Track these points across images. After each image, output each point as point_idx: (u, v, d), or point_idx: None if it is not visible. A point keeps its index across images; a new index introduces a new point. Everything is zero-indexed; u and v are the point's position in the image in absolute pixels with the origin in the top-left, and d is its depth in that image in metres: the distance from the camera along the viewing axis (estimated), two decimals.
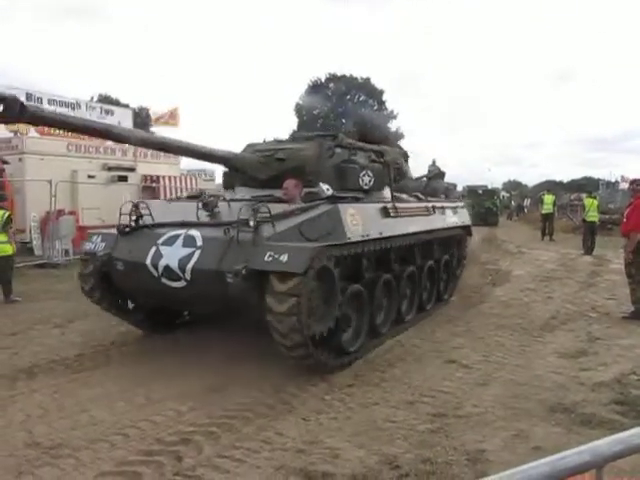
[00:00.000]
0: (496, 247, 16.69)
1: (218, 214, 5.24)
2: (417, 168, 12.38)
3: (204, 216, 5.22)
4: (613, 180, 34.20)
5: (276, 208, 4.86)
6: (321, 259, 4.52)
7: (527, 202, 35.79)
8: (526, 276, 11.14)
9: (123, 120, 18.97)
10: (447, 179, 16.49)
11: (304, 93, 48.30)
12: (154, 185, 16.84)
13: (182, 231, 4.99)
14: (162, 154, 19.09)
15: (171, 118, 20.89)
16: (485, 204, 26.76)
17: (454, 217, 8.31)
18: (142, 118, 40.46)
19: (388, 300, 6.20)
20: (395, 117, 47.46)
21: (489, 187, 33.09)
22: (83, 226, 14.24)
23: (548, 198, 19.58)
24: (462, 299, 8.67)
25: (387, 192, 6.87)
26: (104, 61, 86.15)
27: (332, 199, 5.37)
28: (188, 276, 4.74)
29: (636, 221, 7.01)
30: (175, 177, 18.03)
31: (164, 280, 4.88)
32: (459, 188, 17.38)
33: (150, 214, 5.42)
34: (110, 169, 15.78)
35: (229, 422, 3.92)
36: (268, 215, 4.67)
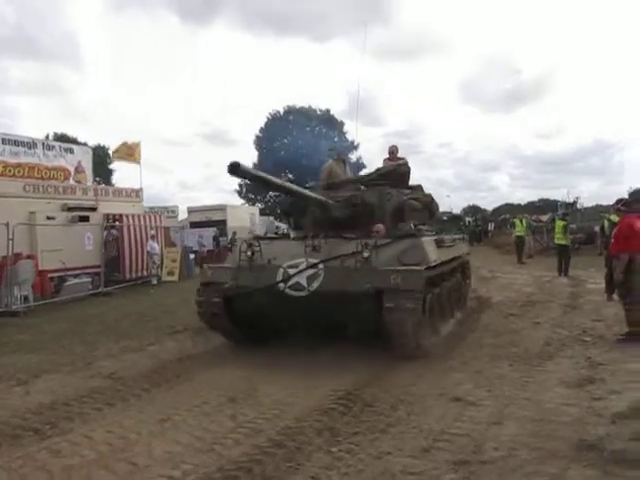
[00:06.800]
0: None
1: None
2: None
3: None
4: (571, 201, 35.06)
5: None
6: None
7: (491, 226, 36.32)
8: (506, 301, 10.99)
9: (83, 158, 18.33)
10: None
11: (264, 126, 48.51)
12: (117, 224, 16.23)
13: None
14: (124, 192, 18.53)
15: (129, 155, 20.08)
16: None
17: None
18: (101, 157, 39.71)
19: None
20: (356, 148, 47.82)
21: (453, 213, 33.48)
22: (43, 270, 13.50)
23: (518, 222, 20.07)
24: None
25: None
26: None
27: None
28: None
29: (625, 241, 6.91)
30: (138, 215, 17.45)
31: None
32: None
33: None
34: (70, 209, 15.14)
35: None
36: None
